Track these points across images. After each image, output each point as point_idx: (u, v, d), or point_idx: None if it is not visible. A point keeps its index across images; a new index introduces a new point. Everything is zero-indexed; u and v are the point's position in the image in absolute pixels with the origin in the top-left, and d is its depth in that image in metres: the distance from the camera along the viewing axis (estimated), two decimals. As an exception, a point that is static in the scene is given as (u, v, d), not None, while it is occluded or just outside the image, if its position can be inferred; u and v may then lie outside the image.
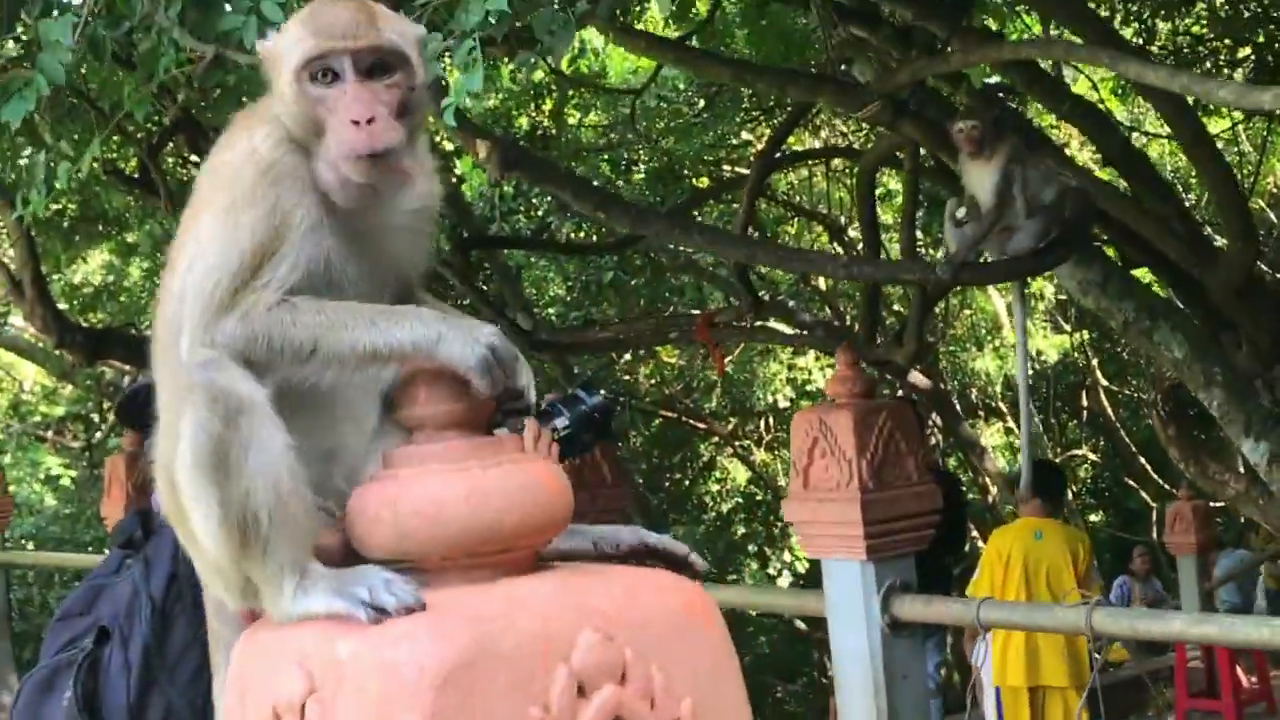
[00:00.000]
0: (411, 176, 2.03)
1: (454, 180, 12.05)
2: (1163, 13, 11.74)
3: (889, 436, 5.82)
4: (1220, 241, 9.73)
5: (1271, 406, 7.31)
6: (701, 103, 13.36)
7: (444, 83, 3.92)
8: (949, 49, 6.17)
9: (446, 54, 4.12)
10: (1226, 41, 11.80)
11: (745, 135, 14.63)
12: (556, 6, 4.14)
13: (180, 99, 5.65)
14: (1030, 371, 20.51)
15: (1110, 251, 8.00)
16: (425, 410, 1.76)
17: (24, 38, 5.13)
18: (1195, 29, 12.28)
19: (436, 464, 1.72)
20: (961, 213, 5.58)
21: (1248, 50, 11.65)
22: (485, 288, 11.49)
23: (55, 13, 4.47)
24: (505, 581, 1.74)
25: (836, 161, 14.76)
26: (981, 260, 5.57)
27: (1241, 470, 8.34)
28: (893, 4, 6.76)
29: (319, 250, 2.00)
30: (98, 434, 15.88)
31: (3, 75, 4.49)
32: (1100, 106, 9.49)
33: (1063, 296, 17.45)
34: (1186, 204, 11.00)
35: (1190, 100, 6.97)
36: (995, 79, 8.07)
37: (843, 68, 6.59)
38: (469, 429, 1.76)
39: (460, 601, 1.67)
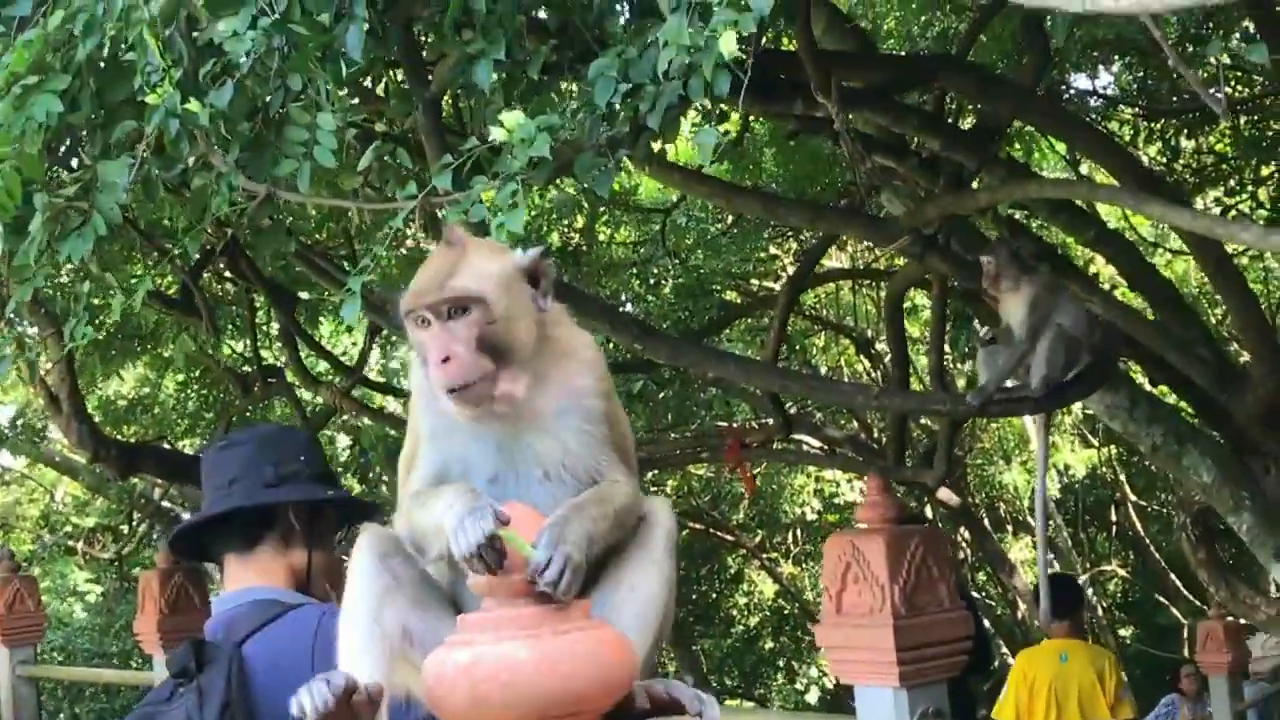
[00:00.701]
0: (512, 397, 2.27)
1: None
2: (1185, 131, 11.93)
3: (921, 562, 5.85)
4: (1243, 357, 9.82)
5: (1301, 530, 7.34)
6: (729, 219, 13.57)
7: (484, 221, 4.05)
8: (977, 183, 6.31)
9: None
10: (1251, 160, 11.96)
11: (773, 250, 14.83)
12: (598, 154, 4.29)
13: (228, 232, 5.82)
14: (1058, 486, 20.63)
15: (1136, 374, 8.09)
16: (497, 579, 1.87)
17: (81, 177, 5.31)
18: (1219, 147, 12.45)
19: (511, 630, 1.83)
20: (985, 332, 5.67)
21: (1271, 168, 11.81)
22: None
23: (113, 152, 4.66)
24: (575, 742, 1.82)
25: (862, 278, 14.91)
26: (1009, 388, 5.65)
27: (1273, 593, 8.35)
28: (920, 134, 6.93)
29: (448, 455, 2.36)
30: (127, 546, 15.95)
31: (59, 210, 4.67)
32: (1125, 233, 9.60)
33: (1090, 411, 17.47)
34: (1210, 322, 11.06)
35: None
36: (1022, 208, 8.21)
37: (872, 197, 6.74)
38: (539, 597, 1.86)
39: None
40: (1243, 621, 9.74)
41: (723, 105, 5.50)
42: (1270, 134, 11.79)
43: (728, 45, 3.73)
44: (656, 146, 4.93)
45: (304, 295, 10.95)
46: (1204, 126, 12.01)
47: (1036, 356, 5.32)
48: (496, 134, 4.00)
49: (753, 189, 7.98)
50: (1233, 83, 11.74)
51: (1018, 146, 10.06)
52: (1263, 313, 7.79)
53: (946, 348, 12.10)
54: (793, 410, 10.80)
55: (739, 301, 14.46)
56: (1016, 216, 8.13)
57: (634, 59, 4.15)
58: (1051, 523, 21.39)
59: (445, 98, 6.17)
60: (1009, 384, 5.57)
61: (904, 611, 5.76)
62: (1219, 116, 11.64)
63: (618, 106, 4.19)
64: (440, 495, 2.18)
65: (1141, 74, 12.03)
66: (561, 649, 1.81)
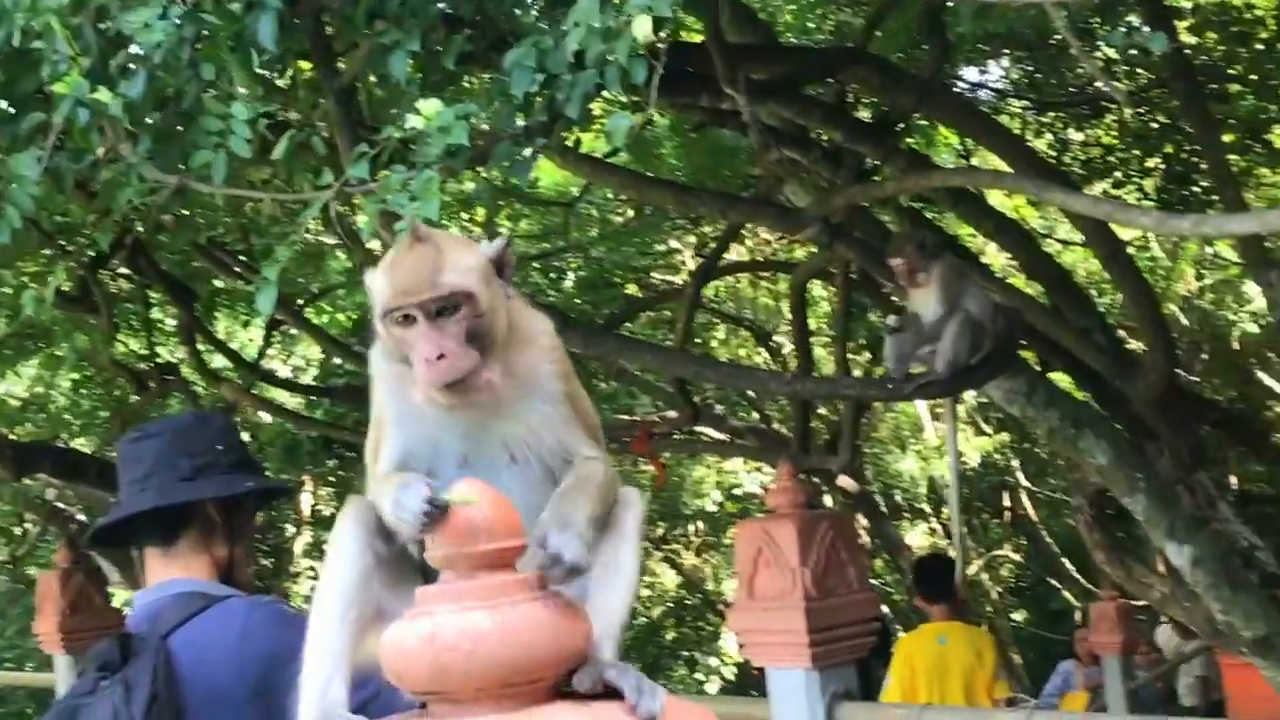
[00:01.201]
0: (493, 384, 2.32)
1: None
2: (1074, 124, 12.23)
3: (831, 545, 5.96)
4: (1133, 345, 10.09)
5: (1193, 511, 7.56)
6: (631, 212, 13.62)
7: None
8: (882, 174, 6.43)
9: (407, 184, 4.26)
10: (1136, 152, 12.29)
11: (673, 243, 14.91)
12: (515, 143, 4.32)
13: (132, 225, 5.75)
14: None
15: (1032, 359, 8.28)
16: (455, 551, 1.91)
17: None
18: (1106, 140, 12.78)
19: (471, 600, 1.87)
20: (893, 320, 5.78)
21: (1157, 160, 12.15)
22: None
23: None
24: (534, 710, 1.87)
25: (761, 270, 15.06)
26: (918, 374, 5.77)
27: (1163, 572, 8.59)
28: (823, 126, 7.04)
29: (413, 441, 2.41)
30: (21, 549, 15.62)
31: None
32: (1019, 219, 9.82)
33: (984, 400, 17.83)
34: (1102, 310, 11.34)
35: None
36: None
37: (778, 189, 6.83)
38: (496, 568, 1.91)
39: (499, 729, 1.82)
40: (1142, 602, 10.02)
41: (634, 98, 5.55)
42: (1155, 126, 12.14)
43: (642, 30, 3.77)
44: (571, 138, 4.97)
45: (217, 284, 10.80)
46: (1091, 119, 12.35)
47: (943, 342, 5.44)
48: (414, 122, 4.01)
49: (663, 180, 8.04)
50: (1120, 76, 12.06)
51: (918, 139, 10.24)
52: (1155, 300, 8.02)
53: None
54: (696, 402, 10.87)
55: (641, 295, 14.52)
56: (917, 207, 8.29)
57: (549, 49, 4.17)
58: (947, 509, 21.79)
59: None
60: (916, 369, 5.69)
61: (815, 594, 5.87)
62: (1106, 109, 12.10)
63: (535, 95, 4.21)
64: (389, 482, 2.22)
65: (1031, 68, 12.34)
66: (521, 617, 1.85)
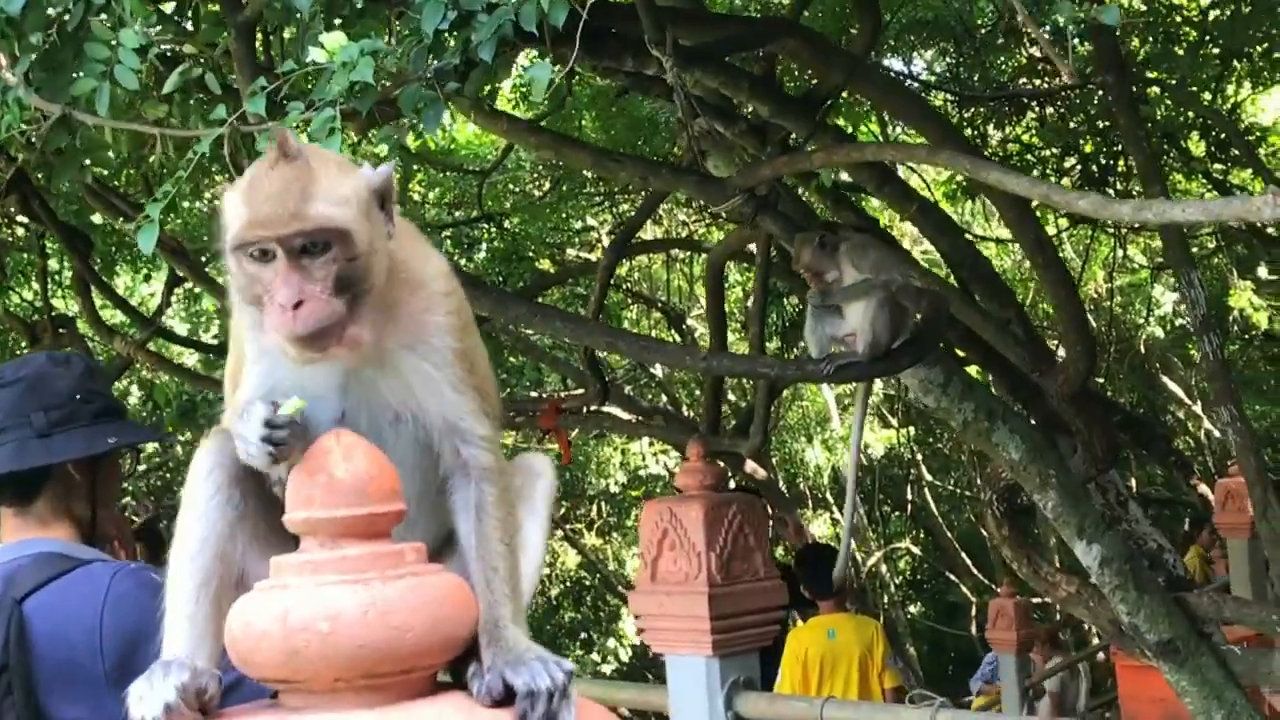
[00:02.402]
0: (359, 340, 1.95)
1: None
2: (994, 120, 12.21)
3: (738, 530, 5.81)
4: (1050, 341, 10.06)
5: (1104, 510, 7.49)
6: (547, 184, 13.39)
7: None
8: (808, 147, 6.25)
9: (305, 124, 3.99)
10: (1054, 150, 12.31)
11: (589, 219, 14.73)
12: (424, 85, 4.05)
13: (18, 159, 5.42)
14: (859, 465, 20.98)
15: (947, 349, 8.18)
16: (318, 514, 1.62)
17: None
18: (1025, 137, 12.78)
19: (333, 572, 1.58)
20: (815, 296, 5.61)
21: (1074, 160, 12.16)
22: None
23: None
24: (404, 706, 1.60)
25: (675, 250, 14.92)
26: (838, 354, 5.60)
27: (1059, 567, 8.54)
28: (750, 99, 6.84)
29: (279, 383, 2.00)
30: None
31: None
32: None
33: (890, 391, 17.87)
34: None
35: (1034, 206, 7.18)
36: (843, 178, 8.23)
37: (700, 160, 6.62)
38: (366, 537, 1.62)
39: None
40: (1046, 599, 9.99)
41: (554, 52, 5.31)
42: (1073, 124, 12.17)
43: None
44: (486, 89, 4.72)
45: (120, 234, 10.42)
46: (1012, 116, 12.34)
47: (862, 323, 5.28)
48: (316, 55, 3.73)
49: (583, 142, 7.78)
50: (1041, 75, 12.08)
51: (844, 119, 10.13)
52: (1077, 293, 7.94)
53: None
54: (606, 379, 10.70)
55: (554, 270, 14.30)
56: (842, 189, 8.14)
57: (463, -18, 3.90)
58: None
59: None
60: (837, 350, 5.52)
61: (720, 580, 5.71)
62: (1027, 107, 12.09)
63: (446, 34, 3.95)
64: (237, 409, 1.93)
65: (955, 61, 12.31)
66: (394, 596, 1.57)
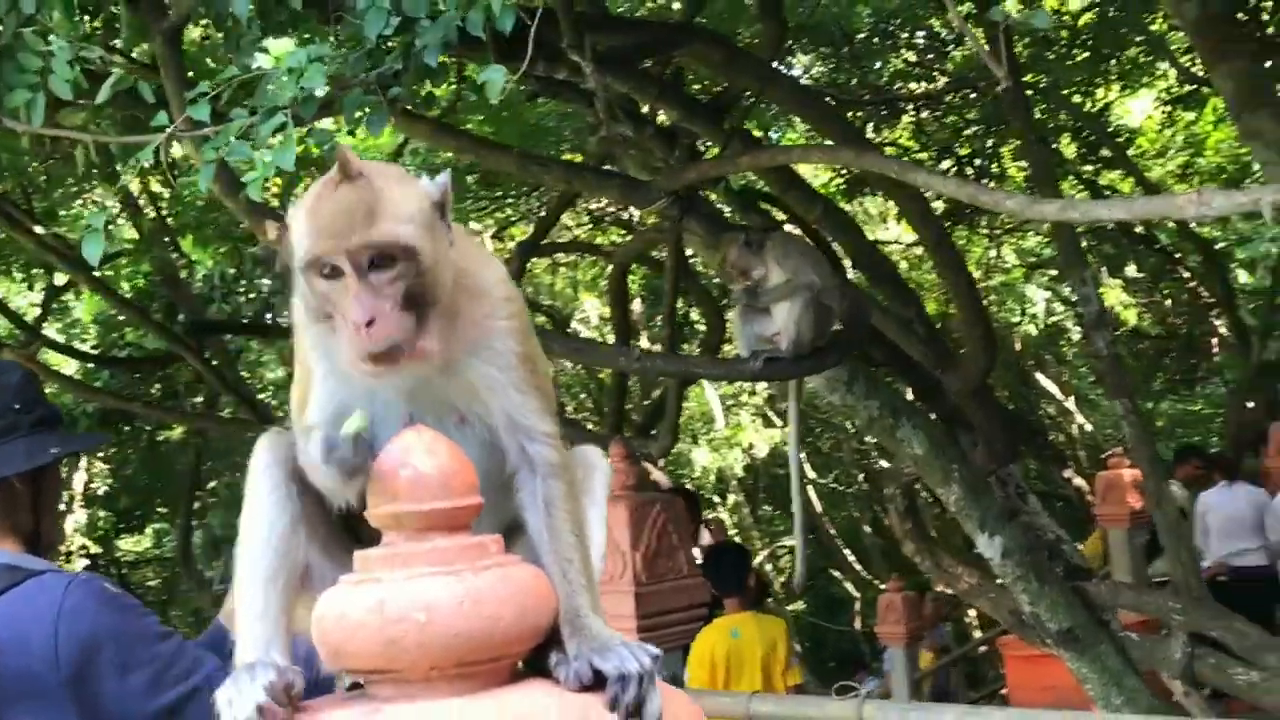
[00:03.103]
0: (429, 352, 1.97)
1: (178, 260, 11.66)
2: (872, 124, 12.44)
3: (662, 529, 5.88)
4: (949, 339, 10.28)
5: (1004, 503, 7.69)
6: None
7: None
8: (727, 151, 6.34)
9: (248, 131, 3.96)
10: (929, 155, 12.60)
11: (473, 224, 14.66)
12: (365, 90, 4.05)
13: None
14: (740, 465, 21.26)
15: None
16: (404, 508, 1.65)
17: None
18: (903, 141, 13.05)
19: (424, 565, 1.62)
20: (740, 294, 5.69)
21: (950, 162, 12.46)
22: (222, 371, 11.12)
23: None
24: (493, 693, 1.64)
25: (559, 255, 14.93)
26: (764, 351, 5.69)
27: (961, 560, 8.73)
28: (660, 103, 6.91)
29: (350, 396, 2.03)
30: None
31: None
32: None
33: (772, 392, 18.07)
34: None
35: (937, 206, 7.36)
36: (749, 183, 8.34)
37: (613, 164, 6.69)
38: (452, 530, 1.66)
39: (457, 717, 1.57)
40: (949, 591, 10.18)
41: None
42: (947, 130, 12.48)
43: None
44: (424, 92, 4.72)
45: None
46: (890, 120, 12.60)
47: (787, 323, 5.38)
48: (261, 62, 3.71)
49: (506, 146, 7.77)
50: (918, 79, 12.38)
51: (751, 123, 10.23)
52: (978, 292, 8.15)
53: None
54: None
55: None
56: (752, 191, 8.26)
57: (407, -10, 3.91)
58: (733, 498, 22.08)
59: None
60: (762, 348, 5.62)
61: (645, 579, 5.78)
62: (903, 111, 12.35)
63: (388, 40, 3.95)
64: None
65: (832, 65, 12.50)
66: (484, 587, 1.61)
